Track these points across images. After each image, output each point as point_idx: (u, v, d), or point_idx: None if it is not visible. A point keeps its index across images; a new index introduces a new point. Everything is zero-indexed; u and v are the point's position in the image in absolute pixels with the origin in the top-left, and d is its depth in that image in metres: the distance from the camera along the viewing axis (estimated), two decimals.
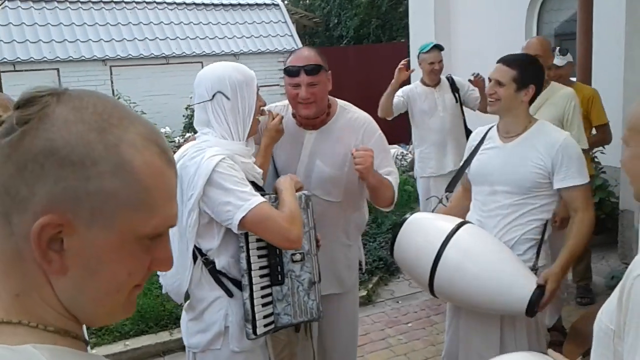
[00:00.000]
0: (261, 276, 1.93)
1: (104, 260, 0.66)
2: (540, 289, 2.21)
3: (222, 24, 11.18)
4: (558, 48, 4.08)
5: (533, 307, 2.20)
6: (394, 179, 2.33)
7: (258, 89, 2.00)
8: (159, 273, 1.97)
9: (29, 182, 0.63)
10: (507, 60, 2.46)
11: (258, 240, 1.92)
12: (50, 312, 0.66)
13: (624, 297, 0.99)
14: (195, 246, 1.91)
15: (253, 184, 1.95)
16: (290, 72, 2.20)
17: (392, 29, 14.53)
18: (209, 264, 1.91)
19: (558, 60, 3.97)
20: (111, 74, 9.86)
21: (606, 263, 4.64)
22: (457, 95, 4.51)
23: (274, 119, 2.21)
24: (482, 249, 2.30)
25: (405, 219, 2.50)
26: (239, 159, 1.89)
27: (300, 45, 11.81)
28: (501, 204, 2.40)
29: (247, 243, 1.88)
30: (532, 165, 2.35)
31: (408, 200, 6.38)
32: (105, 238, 0.65)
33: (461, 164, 2.67)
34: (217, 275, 1.92)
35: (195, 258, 1.94)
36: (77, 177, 0.63)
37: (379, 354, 3.68)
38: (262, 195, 1.90)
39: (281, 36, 11.53)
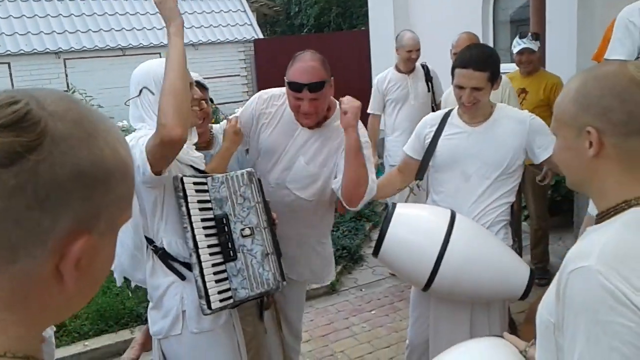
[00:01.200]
0: (212, 254, 1.97)
1: (107, 261, 0.68)
2: (533, 272, 2.31)
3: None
4: (530, 33, 4.09)
5: (528, 291, 2.31)
6: (370, 171, 2.30)
7: (192, 84, 1.99)
8: (114, 271, 2.09)
9: (52, 211, 0.59)
10: (478, 64, 2.37)
11: (204, 219, 1.97)
12: (24, 338, 0.63)
13: (560, 292, 0.99)
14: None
15: (191, 167, 2.03)
16: (293, 87, 2.21)
17: (353, 16, 14.51)
18: (158, 251, 1.96)
19: (533, 45, 4.00)
20: (65, 67, 9.58)
21: (563, 244, 4.75)
22: (429, 84, 4.53)
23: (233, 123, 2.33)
24: (480, 243, 2.32)
25: (391, 215, 2.34)
26: None
27: (260, 34, 11.69)
28: (475, 189, 2.42)
29: (191, 223, 1.93)
30: (510, 143, 2.39)
31: None
32: (110, 242, 0.67)
33: (420, 149, 2.63)
34: (167, 260, 1.97)
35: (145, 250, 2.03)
36: (100, 193, 0.63)
37: (343, 342, 3.69)
38: (205, 176, 1.99)
39: (240, 25, 11.38)
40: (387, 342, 3.66)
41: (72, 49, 9.62)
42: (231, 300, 1.98)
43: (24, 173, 0.58)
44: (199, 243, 1.93)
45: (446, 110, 2.62)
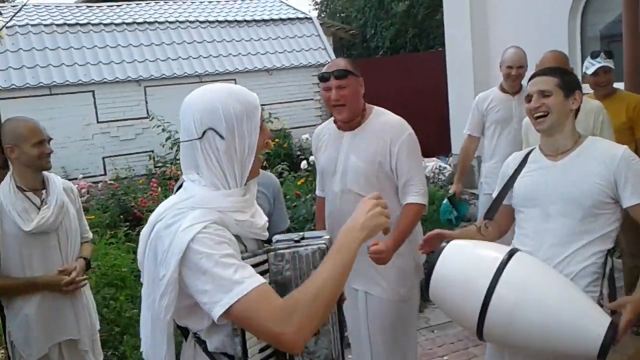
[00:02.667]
0: (264, 358, 1.54)
1: None
2: (614, 326, 1.86)
3: (255, 40, 11.09)
4: (603, 52, 3.73)
5: (607, 348, 1.84)
6: (416, 189, 2.56)
7: (262, 120, 1.55)
8: (142, 343, 1.57)
9: None
10: (543, 71, 2.22)
11: None
12: None
13: None
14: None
15: (257, 240, 1.60)
16: (322, 78, 2.56)
17: (429, 37, 14.21)
18: (202, 342, 1.52)
19: (609, 63, 3.68)
20: (145, 94, 9.88)
21: None
22: None
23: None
24: (541, 283, 1.93)
25: (442, 249, 2.08)
26: (232, 218, 1.47)
27: (334, 57, 11.63)
28: (558, 232, 2.09)
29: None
30: (593, 180, 2.06)
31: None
32: None
33: (499, 190, 2.36)
34: (212, 355, 1.52)
35: (186, 335, 1.58)
36: None
37: None
38: (267, 250, 1.55)
39: (314, 50, 11.36)
40: None
41: (152, 77, 9.92)
42: None
43: None
44: (249, 350, 1.48)
45: (530, 148, 2.34)
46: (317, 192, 2.98)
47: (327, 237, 1.62)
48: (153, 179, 7.43)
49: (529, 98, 2.21)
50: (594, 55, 3.74)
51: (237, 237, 1.47)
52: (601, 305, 2.03)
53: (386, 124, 2.59)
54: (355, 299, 2.64)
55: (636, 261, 3.75)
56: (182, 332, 1.59)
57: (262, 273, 1.46)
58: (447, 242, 2.13)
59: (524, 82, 4.10)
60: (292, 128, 10.31)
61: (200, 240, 1.35)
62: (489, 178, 4.14)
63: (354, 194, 2.51)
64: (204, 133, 1.45)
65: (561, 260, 2.07)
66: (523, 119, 3.95)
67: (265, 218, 1.62)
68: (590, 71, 3.72)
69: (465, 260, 2.06)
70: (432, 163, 8.33)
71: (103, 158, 9.62)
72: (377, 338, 2.62)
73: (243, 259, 1.42)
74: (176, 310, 1.43)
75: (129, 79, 9.76)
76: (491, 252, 2.05)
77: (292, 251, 1.55)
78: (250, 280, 1.33)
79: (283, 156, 8.62)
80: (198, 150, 1.47)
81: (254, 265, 1.46)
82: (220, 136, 1.45)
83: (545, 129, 2.17)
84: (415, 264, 2.65)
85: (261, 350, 1.51)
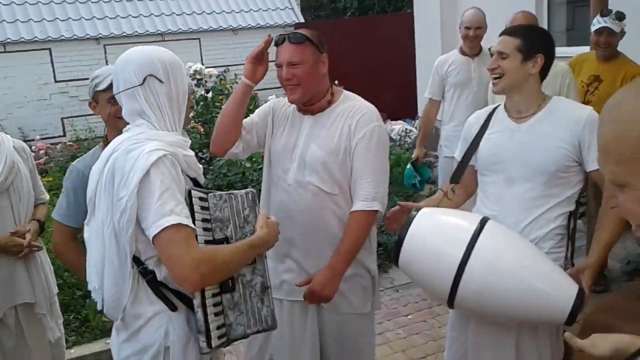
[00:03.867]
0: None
1: None
2: (581, 293, 1.89)
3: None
4: (614, 12, 3.60)
5: (575, 315, 1.88)
6: (365, 192, 2.11)
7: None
8: (90, 287, 1.67)
9: None
10: (510, 30, 2.17)
11: (206, 242, 1.64)
12: None
13: None
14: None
15: (194, 180, 1.73)
16: (276, 42, 2.14)
17: None
18: (148, 274, 1.62)
19: (614, 25, 3.52)
20: (105, 52, 9.54)
21: (621, 246, 4.30)
22: None
23: None
24: (513, 254, 1.94)
25: (411, 220, 2.05)
26: (182, 153, 1.65)
27: (301, 18, 11.41)
28: (522, 196, 2.08)
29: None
30: (558, 145, 2.03)
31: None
32: None
33: (463, 152, 2.32)
34: (157, 287, 1.63)
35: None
36: None
37: (375, 350, 3.42)
38: (207, 191, 1.72)
39: (281, 9, 11.12)
40: (424, 351, 3.37)
41: (112, 35, 9.57)
42: (225, 339, 1.66)
43: None
44: None
45: (494, 105, 2.30)
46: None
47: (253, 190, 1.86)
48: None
49: (491, 55, 2.19)
50: (604, 14, 3.61)
51: (184, 173, 1.66)
52: (566, 269, 2.05)
53: (353, 110, 2.16)
54: (303, 313, 2.23)
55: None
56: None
57: (204, 208, 1.67)
58: (416, 210, 2.09)
59: (484, 44, 4.11)
60: (258, 90, 10.11)
61: (161, 164, 1.53)
62: (448, 141, 4.14)
63: (312, 187, 2.14)
64: (144, 80, 1.64)
65: (527, 225, 2.08)
66: (482, 82, 3.95)
67: (202, 167, 1.84)
68: (594, 28, 3.63)
69: (435, 231, 2.03)
70: (398, 126, 8.34)
71: (62, 119, 9.33)
72: (331, 357, 2.26)
73: (193, 189, 1.65)
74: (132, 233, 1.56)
75: (88, 36, 9.42)
76: (462, 222, 2.03)
77: (228, 192, 1.78)
78: (185, 219, 1.51)
79: None
80: (140, 97, 1.65)
81: (200, 199, 1.66)
82: (160, 80, 1.65)
83: (499, 91, 2.14)
84: (372, 277, 2.28)
85: None
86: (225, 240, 1.70)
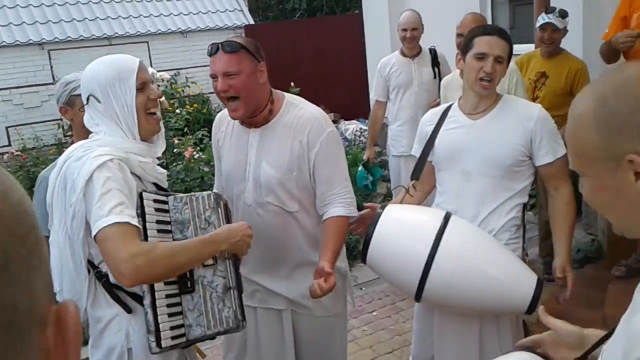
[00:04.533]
0: (166, 283, 1.69)
1: None
2: (540, 283, 2.02)
3: (168, 1, 10.63)
4: (558, 9, 3.75)
5: (535, 303, 1.99)
6: (341, 199, 2.08)
7: (147, 81, 1.77)
8: (56, 291, 1.70)
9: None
10: (503, 33, 2.17)
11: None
12: None
13: None
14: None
15: (156, 185, 1.80)
16: (210, 51, 1.99)
17: None
18: (102, 277, 1.68)
19: (557, 22, 3.66)
20: (50, 58, 9.26)
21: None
22: (436, 70, 4.20)
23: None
24: (476, 247, 2.04)
25: (378, 217, 2.10)
26: (136, 160, 1.71)
27: (251, 20, 11.38)
28: (479, 190, 2.16)
29: None
30: (512, 140, 2.13)
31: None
32: None
33: (421, 149, 2.38)
34: (112, 289, 1.68)
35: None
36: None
37: None
38: (167, 194, 1.79)
39: (230, 11, 11.05)
40: (390, 346, 3.45)
41: (57, 40, 9.30)
42: (184, 339, 1.70)
43: None
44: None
45: (448, 104, 2.38)
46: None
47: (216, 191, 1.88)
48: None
49: (481, 56, 2.12)
50: (548, 11, 3.74)
51: (139, 178, 1.72)
52: (524, 260, 2.17)
53: (300, 122, 2.05)
54: (278, 321, 2.21)
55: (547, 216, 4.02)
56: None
57: (162, 211, 1.73)
58: (382, 208, 2.15)
59: (425, 45, 4.26)
60: (211, 93, 10.07)
61: (104, 168, 1.58)
62: (395, 140, 4.29)
63: (273, 207, 2.06)
64: (88, 99, 1.73)
65: (485, 218, 2.17)
66: (423, 82, 4.13)
67: (166, 171, 1.90)
68: (537, 24, 3.76)
69: (402, 228, 2.10)
70: (352, 126, 8.43)
71: (6, 128, 9.01)
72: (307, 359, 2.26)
73: (146, 191, 1.70)
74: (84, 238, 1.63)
75: (31, 42, 9.11)
76: (427, 218, 2.11)
77: (189, 195, 1.83)
78: (127, 217, 1.53)
79: (203, 122, 8.42)
80: (90, 114, 1.75)
81: (155, 201, 1.71)
82: (98, 100, 1.70)
83: (487, 94, 2.18)
84: (343, 276, 2.23)
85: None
86: None
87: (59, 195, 1.66)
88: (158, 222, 1.71)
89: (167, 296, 1.68)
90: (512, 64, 3.49)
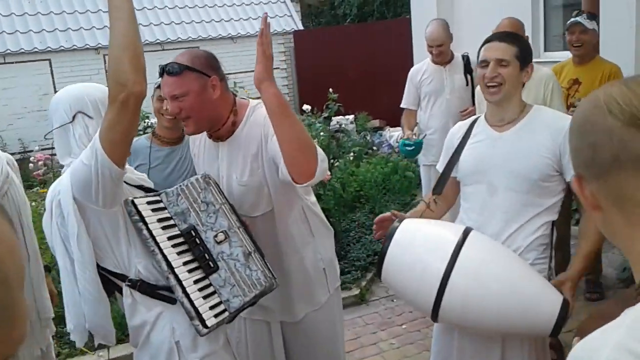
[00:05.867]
0: (190, 270, 1.76)
1: None
2: (566, 304, 1.87)
3: (219, 7, 10.82)
4: (586, 13, 3.65)
5: (560, 325, 1.86)
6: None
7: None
8: (70, 325, 1.78)
9: None
10: (502, 37, 2.12)
11: (171, 237, 1.76)
12: None
13: None
14: (110, 279, 1.77)
15: (142, 187, 1.86)
16: (159, 74, 1.95)
17: (397, 4, 14.06)
18: (137, 283, 1.75)
19: (586, 22, 3.53)
20: (105, 62, 9.57)
21: (618, 252, 4.27)
22: (468, 77, 4.08)
23: None
24: (496, 265, 1.92)
25: (393, 231, 2.01)
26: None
27: (300, 25, 11.43)
28: (505, 206, 2.05)
29: (157, 244, 1.72)
30: (540, 153, 2.00)
31: (409, 187, 6.03)
32: None
33: (445, 163, 2.28)
34: (151, 289, 1.75)
35: (119, 290, 1.79)
36: None
37: None
38: (158, 193, 1.84)
39: (280, 17, 11.15)
40: None
41: None
42: (226, 313, 1.77)
43: None
44: (172, 262, 1.73)
45: (475, 117, 2.28)
46: None
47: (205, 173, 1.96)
48: None
49: (483, 64, 2.08)
50: (576, 15, 3.65)
51: (125, 182, 1.77)
52: (550, 280, 2.03)
53: (255, 123, 1.98)
54: (266, 331, 2.21)
55: (562, 230, 3.78)
56: (113, 291, 1.81)
57: (160, 209, 1.78)
58: (399, 221, 2.06)
59: (457, 53, 4.14)
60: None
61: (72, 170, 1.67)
62: (425, 149, 4.14)
63: (248, 218, 2.01)
64: (74, 117, 1.77)
65: (510, 235, 2.05)
66: (455, 89, 4.02)
67: (144, 174, 2.01)
68: (565, 28, 3.66)
69: (418, 243, 2.00)
70: (397, 133, 8.30)
71: None
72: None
73: (136, 197, 1.74)
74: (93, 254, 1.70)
75: (87, 46, 9.46)
76: (445, 233, 2.01)
77: (179, 185, 1.88)
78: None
79: None
80: (70, 133, 1.77)
81: (149, 203, 1.76)
82: (89, 117, 1.77)
83: (498, 100, 2.09)
84: (320, 258, 2.18)
85: (185, 263, 1.75)
86: (192, 228, 1.82)
87: (57, 226, 1.72)
88: (159, 220, 1.77)
89: (196, 282, 1.75)
90: (547, 70, 3.35)
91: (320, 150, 1.85)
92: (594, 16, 3.60)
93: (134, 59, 1.54)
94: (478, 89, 3.53)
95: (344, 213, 5.19)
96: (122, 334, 3.66)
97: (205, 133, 2.08)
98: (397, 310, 3.97)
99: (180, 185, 1.88)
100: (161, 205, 1.81)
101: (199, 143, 2.18)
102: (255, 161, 1.99)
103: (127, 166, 1.77)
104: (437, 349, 2.26)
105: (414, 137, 4.28)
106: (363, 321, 3.86)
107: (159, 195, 1.83)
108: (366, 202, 5.58)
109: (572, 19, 3.60)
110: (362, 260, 4.43)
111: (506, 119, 2.10)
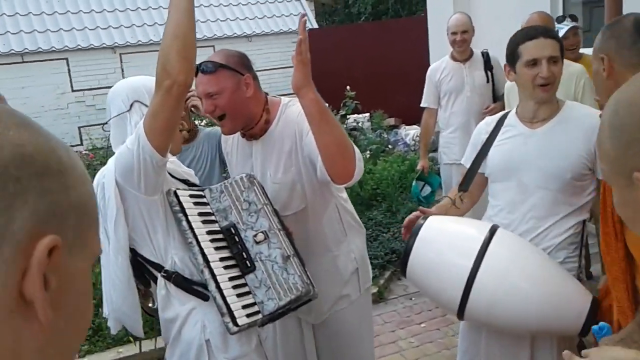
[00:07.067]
0: (226, 267, 1.75)
1: (84, 291, 0.54)
2: (595, 303, 1.85)
3: (234, 5, 10.84)
4: (567, 16, 3.64)
5: (590, 324, 1.80)
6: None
7: (187, 101, 1.92)
8: (106, 311, 1.79)
9: (3, 203, 0.47)
10: (546, 32, 2.03)
11: (210, 232, 1.76)
12: None
13: None
14: (147, 268, 1.76)
15: (187, 182, 1.86)
16: (196, 71, 1.89)
17: (412, 2, 14.01)
18: (172, 275, 1.74)
19: (577, 24, 3.56)
20: (121, 61, 9.64)
21: None
22: (489, 74, 4.02)
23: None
24: (524, 263, 1.89)
25: (418, 228, 1.98)
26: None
27: (315, 24, 11.42)
28: (535, 204, 2.01)
29: (196, 237, 1.72)
30: (575, 152, 1.96)
31: None
32: (84, 267, 0.54)
33: (472, 159, 2.23)
34: (186, 283, 1.74)
35: (154, 280, 1.79)
36: (58, 187, 0.50)
37: (387, 359, 3.38)
38: (201, 189, 1.87)
39: (295, 15, 11.13)
40: None
41: (128, 44, 9.67)
42: (259, 315, 1.74)
43: None
44: (209, 257, 1.72)
45: (504, 112, 2.24)
46: None
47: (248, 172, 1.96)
48: None
49: (532, 62, 1.98)
50: (560, 20, 3.63)
51: (171, 175, 1.82)
52: (580, 280, 2.01)
53: (290, 116, 1.99)
54: (297, 330, 2.21)
55: None
56: (151, 279, 1.80)
57: (201, 204, 1.81)
58: (424, 218, 2.02)
59: (476, 50, 4.10)
60: (273, 96, 10.17)
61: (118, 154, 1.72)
62: (447, 148, 4.12)
63: (288, 217, 2.02)
64: (131, 105, 1.81)
65: (539, 233, 2.02)
66: (475, 86, 3.97)
67: (192, 170, 2.05)
68: (560, 35, 3.65)
69: (444, 240, 1.98)
70: (413, 131, 8.26)
71: (79, 128, 9.43)
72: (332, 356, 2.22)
73: (179, 189, 1.77)
74: (131, 240, 1.74)
75: (104, 45, 9.52)
76: (471, 231, 1.98)
77: (222, 183, 1.90)
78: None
79: None
80: (127, 121, 1.80)
81: (191, 196, 1.78)
82: (145, 105, 1.77)
83: (548, 98, 2.02)
84: (354, 257, 2.17)
85: (222, 259, 1.75)
86: (232, 226, 1.83)
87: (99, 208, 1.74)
88: (200, 214, 1.78)
89: (231, 279, 1.73)
90: (579, 65, 3.30)
91: (357, 150, 1.85)
92: (575, 17, 3.63)
93: (183, 49, 1.55)
94: (508, 84, 3.49)
95: (361, 211, 5.17)
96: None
97: (237, 135, 2.11)
98: (415, 309, 3.95)
99: (224, 183, 1.90)
100: (204, 200, 1.83)
101: (231, 142, 2.18)
102: (289, 159, 1.99)
103: (173, 159, 1.81)
104: (464, 348, 2.23)
105: (429, 169, 4.28)
106: (382, 319, 3.84)
107: (202, 190, 1.86)
108: (383, 200, 5.56)
109: (568, 26, 3.56)
110: (379, 258, 4.40)
111: (540, 116, 2.06)
